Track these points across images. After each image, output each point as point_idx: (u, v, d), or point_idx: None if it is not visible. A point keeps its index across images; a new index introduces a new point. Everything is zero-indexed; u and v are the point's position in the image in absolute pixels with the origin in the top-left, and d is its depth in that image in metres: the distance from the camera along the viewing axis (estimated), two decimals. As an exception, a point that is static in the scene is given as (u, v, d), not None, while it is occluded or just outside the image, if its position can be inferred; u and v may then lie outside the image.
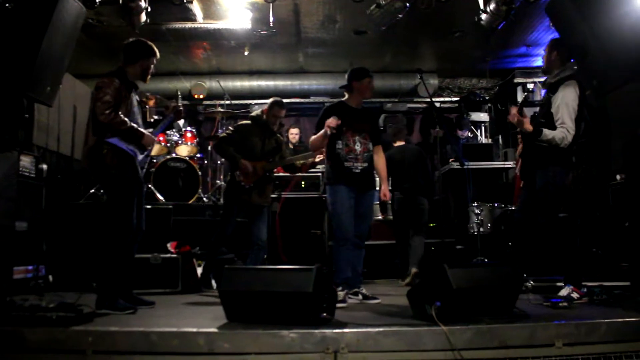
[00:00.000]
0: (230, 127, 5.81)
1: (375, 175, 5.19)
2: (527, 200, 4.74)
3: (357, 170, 4.82)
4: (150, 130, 4.49)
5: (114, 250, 4.13)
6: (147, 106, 7.51)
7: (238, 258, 6.85)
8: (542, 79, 5.11)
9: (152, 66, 4.46)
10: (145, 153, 4.39)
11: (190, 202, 7.27)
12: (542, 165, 4.51)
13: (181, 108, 4.87)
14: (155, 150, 6.87)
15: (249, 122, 5.78)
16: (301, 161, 5.85)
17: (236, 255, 6.77)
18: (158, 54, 4.50)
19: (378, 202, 5.46)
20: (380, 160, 5.09)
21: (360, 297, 4.71)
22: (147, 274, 5.52)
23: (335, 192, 4.80)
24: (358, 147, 4.84)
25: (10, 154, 4.88)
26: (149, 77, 4.50)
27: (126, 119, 4.15)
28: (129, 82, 4.33)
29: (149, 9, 6.46)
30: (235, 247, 6.75)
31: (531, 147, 4.59)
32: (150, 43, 4.48)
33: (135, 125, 4.20)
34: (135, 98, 4.44)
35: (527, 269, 4.79)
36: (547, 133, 4.37)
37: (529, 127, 4.42)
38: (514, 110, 4.48)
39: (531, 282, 4.69)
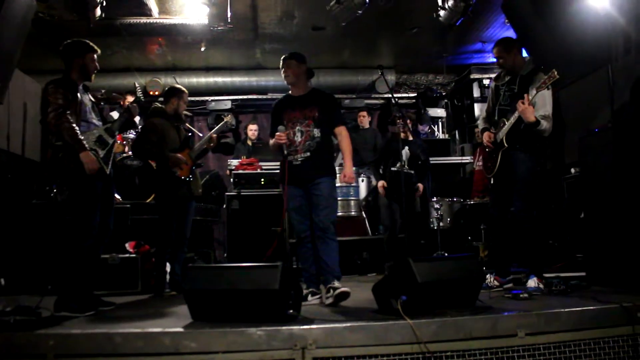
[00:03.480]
0: (138, 129, 5.65)
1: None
2: (500, 197, 4.89)
3: (297, 162, 4.57)
4: (107, 126, 4.40)
5: (74, 250, 4.05)
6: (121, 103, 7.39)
7: (198, 257, 6.79)
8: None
9: (92, 63, 4.35)
10: (107, 148, 4.29)
11: (147, 200, 7.13)
12: (522, 151, 4.70)
13: (134, 104, 4.77)
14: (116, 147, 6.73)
15: (157, 117, 5.61)
16: (210, 144, 5.90)
17: (196, 254, 6.71)
18: (96, 49, 4.39)
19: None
20: (342, 141, 4.70)
21: (331, 292, 4.38)
22: (105, 275, 5.38)
23: (284, 191, 4.67)
24: (298, 138, 4.59)
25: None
26: (93, 74, 4.40)
27: (75, 129, 4.09)
28: (73, 84, 4.25)
29: (104, 3, 6.30)
30: (195, 246, 6.69)
31: (516, 138, 4.70)
32: (84, 40, 4.38)
33: (81, 138, 4.11)
34: (87, 98, 4.37)
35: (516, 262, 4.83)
36: (542, 123, 4.55)
37: (533, 118, 4.51)
38: (527, 98, 4.53)
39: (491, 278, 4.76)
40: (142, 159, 5.66)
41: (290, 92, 4.82)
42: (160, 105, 5.71)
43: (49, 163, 4.19)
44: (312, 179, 4.55)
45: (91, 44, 4.38)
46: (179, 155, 5.47)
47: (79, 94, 4.25)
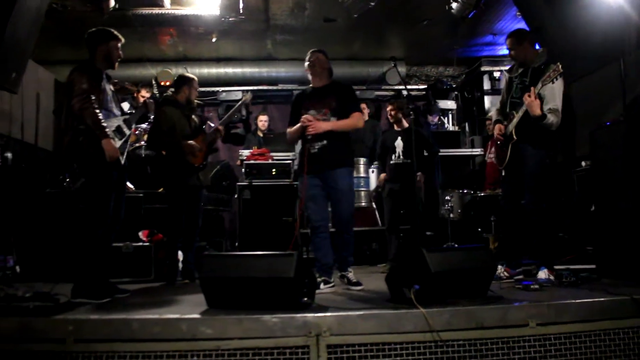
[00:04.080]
0: (154, 120, 5.66)
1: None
2: (511, 189, 4.92)
3: (314, 150, 4.64)
4: (125, 117, 4.46)
5: (89, 238, 4.10)
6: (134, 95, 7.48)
7: (210, 246, 6.85)
8: (507, 67, 5.18)
9: (115, 51, 4.42)
10: (124, 139, 4.34)
11: (160, 190, 7.19)
12: (532, 144, 4.71)
13: (151, 100, 4.84)
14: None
15: (169, 106, 5.63)
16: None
17: (208, 243, 6.76)
18: (120, 37, 4.45)
19: None
20: (348, 119, 4.71)
21: (345, 280, 4.62)
22: (119, 263, 5.45)
23: (301, 182, 4.73)
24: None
25: (-22, 142, 4.78)
26: (117, 62, 4.46)
27: (99, 115, 4.12)
28: (97, 72, 4.31)
29: (118, -6, 6.36)
30: (207, 235, 6.74)
31: (525, 131, 4.71)
32: (108, 29, 4.45)
33: (104, 125, 4.16)
34: (109, 87, 4.42)
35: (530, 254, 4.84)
36: (549, 117, 4.57)
37: (539, 111, 4.53)
38: (533, 91, 4.56)
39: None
40: (157, 149, 5.70)
41: (311, 85, 4.93)
42: (172, 95, 5.73)
43: (66, 147, 4.16)
44: (329, 167, 4.61)
45: (115, 32, 4.43)
46: (192, 142, 5.51)
47: (102, 82, 4.30)
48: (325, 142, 4.63)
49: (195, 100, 5.83)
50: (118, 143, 4.27)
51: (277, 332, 3.05)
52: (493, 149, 5.64)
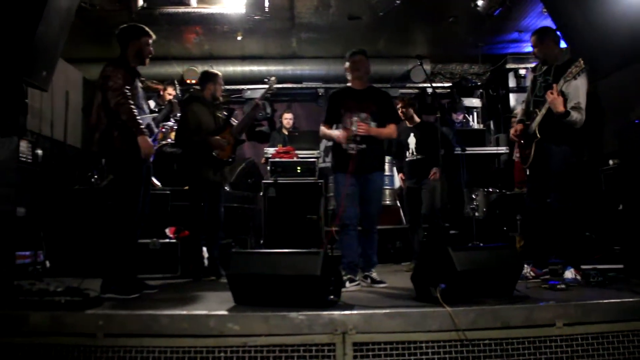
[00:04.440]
0: (181, 118, 5.72)
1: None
2: (536, 188, 4.90)
3: (352, 152, 4.75)
4: (154, 115, 4.52)
5: (119, 234, 4.17)
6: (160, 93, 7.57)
7: (235, 243, 6.90)
8: (533, 65, 5.13)
9: (146, 47, 4.46)
10: (153, 137, 4.41)
11: (187, 187, 7.26)
12: (557, 142, 4.70)
13: (176, 101, 4.97)
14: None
15: (195, 103, 5.66)
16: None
17: (233, 240, 6.81)
18: (151, 34, 4.50)
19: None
20: (387, 128, 4.91)
21: (369, 280, 4.73)
22: (146, 260, 5.54)
23: (335, 179, 4.92)
24: (354, 128, 4.76)
25: (11, 139, 4.86)
26: (147, 59, 4.50)
27: (135, 111, 4.18)
28: (131, 68, 4.37)
29: (147, -7, 6.43)
30: (232, 233, 6.79)
31: (547, 128, 4.71)
32: (139, 25, 4.49)
33: (140, 121, 4.22)
34: (139, 85, 4.47)
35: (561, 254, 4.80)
36: (572, 114, 4.54)
37: (562, 108, 4.52)
38: (556, 88, 4.57)
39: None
40: (185, 147, 5.75)
41: (349, 84, 5.03)
42: (197, 91, 5.77)
43: (98, 142, 4.22)
44: (366, 171, 4.77)
45: (146, 28, 4.48)
46: (219, 137, 5.53)
47: (135, 79, 4.37)
48: (364, 146, 4.75)
49: (222, 95, 5.87)
50: (149, 140, 4.33)
51: (304, 330, 3.09)
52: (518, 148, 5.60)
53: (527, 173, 5.00)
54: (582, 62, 4.42)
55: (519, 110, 5.35)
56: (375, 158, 4.88)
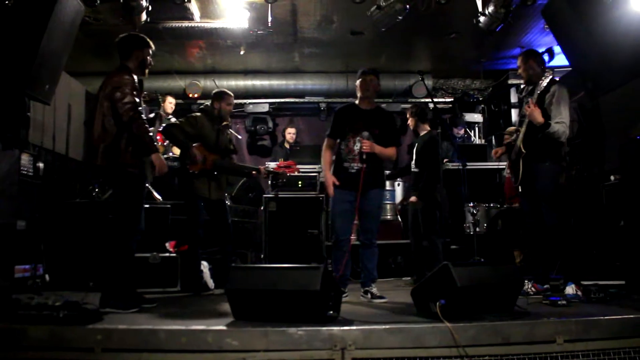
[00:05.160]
0: (181, 119, 5.74)
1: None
2: (530, 205, 4.97)
3: (352, 170, 4.90)
4: (152, 129, 4.52)
5: (120, 249, 4.15)
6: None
7: (235, 257, 6.87)
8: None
9: (148, 58, 4.46)
10: None
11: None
12: (541, 159, 4.80)
13: (162, 113, 5.01)
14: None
15: (199, 114, 5.74)
16: (252, 172, 6.13)
17: (233, 254, 6.79)
18: (152, 45, 4.50)
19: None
20: (388, 149, 5.01)
21: (369, 296, 4.77)
22: (146, 274, 5.54)
23: (333, 195, 4.96)
24: (357, 148, 4.90)
25: (12, 152, 4.88)
26: (147, 70, 4.50)
27: (148, 127, 4.19)
28: (138, 79, 4.35)
29: (149, 8, 6.45)
30: (233, 247, 6.76)
31: (532, 144, 4.81)
32: (141, 35, 4.49)
33: (153, 139, 4.25)
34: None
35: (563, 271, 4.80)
36: (554, 126, 4.66)
37: (541, 119, 4.65)
38: (531, 102, 4.76)
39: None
40: (169, 139, 5.76)
41: (357, 102, 5.12)
42: (207, 107, 5.83)
43: (103, 153, 4.13)
44: (364, 189, 4.85)
45: (147, 39, 4.47)
46: (198, 152, 5.51)
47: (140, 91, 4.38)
48: (364, 165, 4.86)
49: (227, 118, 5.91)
50: None
51: (303, 345, 3.07)
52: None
53: (520, 190, 5.06)
54: (550, 71, 4.77)
55: (512, 128, 5.44)
56: (375, 176, 4.99)
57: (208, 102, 5.92)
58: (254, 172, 6.18)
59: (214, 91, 5.94)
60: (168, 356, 3.10)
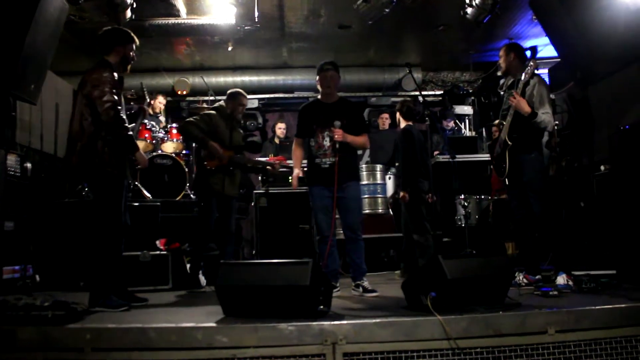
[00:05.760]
0: (195, 116, 5.71)
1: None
2: (518, 197, 4.98)
3: (325, 165, 4.85)
4: (132, 125, 4.47)
5: (105, 247, 4.10)
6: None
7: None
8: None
9: (131, 54, 4.32)
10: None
11: (177, 198, 7.24)
12: (527, 151, 4.83)
13: (144, 107, 5.12)
14: (141, 147, 6.80)
15: (213, 112, 5.76)
16: (267, 167, 6.34)
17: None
18: (136, 40, 4.36)
19: None
20: (359, 137, 4.97)
21: (360, 290, 4.72)
22: (136, 272, 5.50)
23: (310, 191, 4.98)
24: (327, 142, 4.88)
25: (-2, 152, 4.84)
26: (129, 66, 4.37)
27: (128, 125, 4.13)
28: (118, 76, 4.22)
29: (134, 5, 6.40)
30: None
31: (517, 136, 4.83)
32: (126, 29, 4.38)
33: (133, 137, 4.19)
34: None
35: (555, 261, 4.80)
36: (540, 115, 4.67)
37: (528, 108, 4.66)
38: (516, 93, 4.77)
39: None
40: (186, 137, 5.76)
41: (319, 97, 5.10)
42: (221, 105, 5.84)
43: (79, 152, 4.09)
44: (339, 183, 4.80)
45: (132, 33, 4.33)
46: (219, 147, 5.53)
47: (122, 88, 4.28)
48: (336, 159, 4.80)
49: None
50: None
51: (293, 340, 3.04)
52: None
53: (507, 183, 5.09)
54: (532, 62, 4.74)
55: (498, 121, 5.45)
56: (349, 169, 4.93)
57: (200, 99, 5.89)
58: (268, 167, 6.32)
59: (228, 91, 5.95)
60: (158, 354, 3.06)
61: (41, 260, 5.76)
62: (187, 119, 5.72)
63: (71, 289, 5.22)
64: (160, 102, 8.30)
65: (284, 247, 6.88)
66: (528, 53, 5.08)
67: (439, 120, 9.35)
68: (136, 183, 6.94)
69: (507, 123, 4.89)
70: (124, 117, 4.13)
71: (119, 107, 4.07)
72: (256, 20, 7.27)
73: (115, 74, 4.19)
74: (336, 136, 4.77)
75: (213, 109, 5.83)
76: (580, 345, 3.18)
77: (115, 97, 4.06)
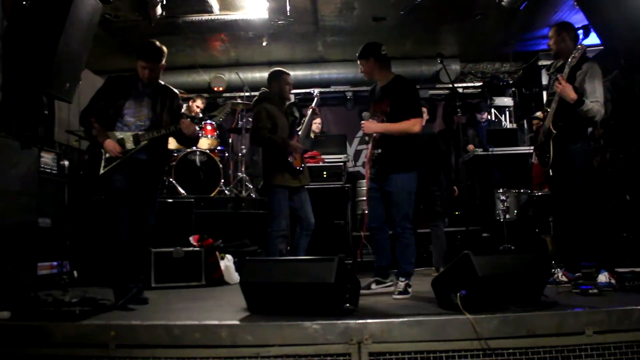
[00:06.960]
0: (255, 116, 5.39)
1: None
2: (561, 189, 4.73)
3: (373, 158, 4.66)
4: (139, 132, 4.40)
5: (107, 241, 4.26)
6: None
7: (262, 250, 6.84)
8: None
9: (140, 69, 4.33)
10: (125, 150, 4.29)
11: (212, 195, 7.25)
12: (572, 140, 4.56)
13: (187, 120, 4.73)
14: (175, 143, 6.80)
15: (262, 104, 5.34)
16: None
17: (259, 247, 6.76)
18: (146, 58, 4.31)
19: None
20: (396, 124, 4.52)
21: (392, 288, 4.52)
22: (170, 268, 5.54)
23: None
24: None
25: (31, 150, 4.91)
26: (142, 77, 4.36)
27: (95, 125, 4.33)
28: (126, 79, 4.42)
29: (165, 2, 6.42)
30: (259, 239, 6.73)
31: (563, 124, 4.58)
32: (144, 44, 4.38)
33: (100, 131, 4.30)
34: (146, 99, 4.42)
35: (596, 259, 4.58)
36: (587, 103, 4.39)
37: (574, 95, 4.39)
38: (562, 78, 4.48)
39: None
40: (260, 145, 5.48)
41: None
42: (264, 92, 5.50)
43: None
44: (385, 174, 4.54)
45: (143, 50, 4.33)
46: (296, 145, 5.32)
47: (130, 92, 4.35)
48: (380, 150, 4.59)
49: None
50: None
51: (318, 339, 2.98)
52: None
53: (550, 174, 4.81)
54: (581, 46, 4.44)
55: (540, 114, 5.19)
56: (394, 161, 4.51)
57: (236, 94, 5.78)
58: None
59: (268, 73, 5.64)
60: (182, 352, 3.04)
61: (78, 256, 5.84)
62: (253, 128, 5.40)
63: (108, 284, 5.27)
64: (197, 105, 8.31)
65: (319, 243, 6.80)
66: (580, 34, 4.82)
67: (472, 114, 9.15)
68: (170, 179, 6.97)
69: (551, 110, 4.60)
70: (85, 116, 4.43)
71: (89, 108, 4.47)
72: (288, 14, 7.21)
73: (135, 80, 4.42)
74: (364, 129, 4.62)
75: (258, 101, 5.42)
76: (621, 347, 3.03)
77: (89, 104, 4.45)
